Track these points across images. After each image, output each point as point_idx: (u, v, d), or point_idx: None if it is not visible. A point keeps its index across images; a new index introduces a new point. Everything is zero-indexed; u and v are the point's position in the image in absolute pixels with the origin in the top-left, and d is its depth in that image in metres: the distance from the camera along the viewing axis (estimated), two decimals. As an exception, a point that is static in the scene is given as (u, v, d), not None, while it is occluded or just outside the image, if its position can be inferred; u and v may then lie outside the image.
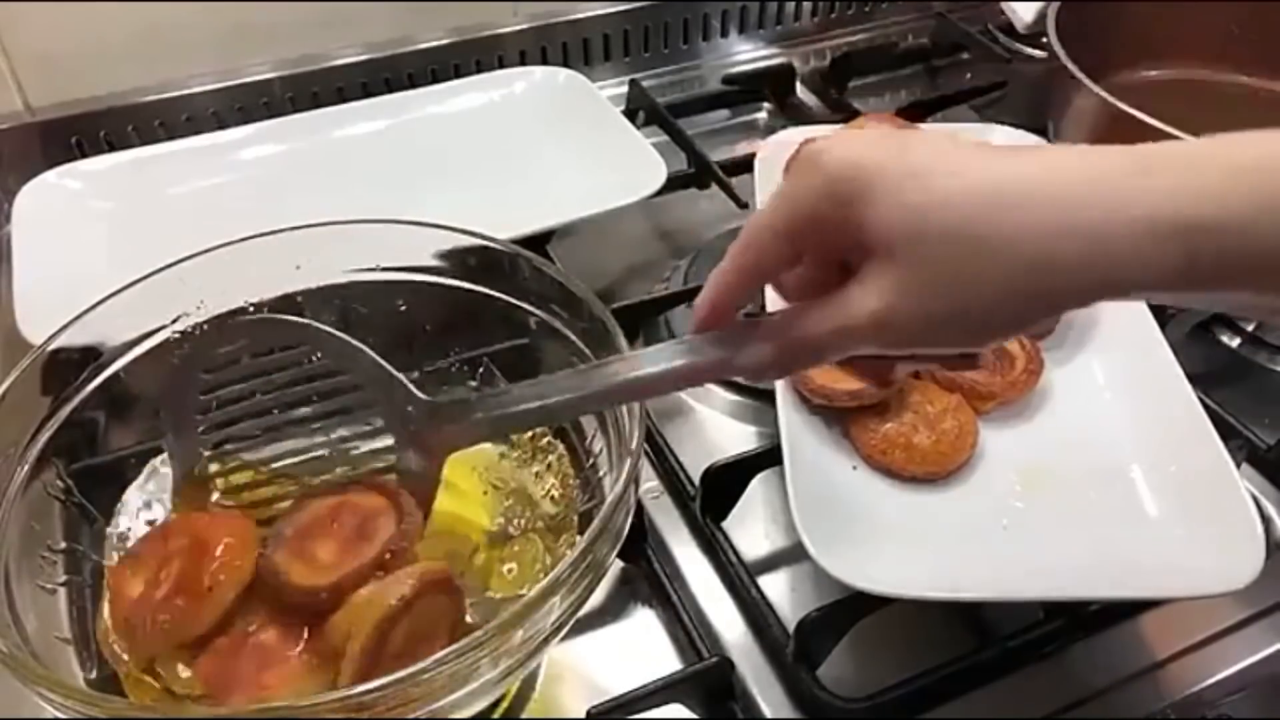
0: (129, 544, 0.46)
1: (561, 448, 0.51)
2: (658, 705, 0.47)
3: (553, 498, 0.49)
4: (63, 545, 0.44)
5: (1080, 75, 0.68)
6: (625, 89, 0.88)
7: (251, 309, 0.50)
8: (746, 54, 0.98)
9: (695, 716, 0.48)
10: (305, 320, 0.44)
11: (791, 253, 0.35)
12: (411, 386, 0.42)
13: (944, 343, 0.33)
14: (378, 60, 0.85)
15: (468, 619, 0.42)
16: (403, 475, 0.43)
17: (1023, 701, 0.49)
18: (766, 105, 0.92)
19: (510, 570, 0.46)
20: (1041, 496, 0.53)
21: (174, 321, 0.48)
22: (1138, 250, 0.28)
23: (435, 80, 0.85)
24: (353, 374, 0.42)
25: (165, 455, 0.45)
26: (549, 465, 0.50)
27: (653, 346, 0.37)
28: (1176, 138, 0.61)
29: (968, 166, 0.30)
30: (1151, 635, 0.52)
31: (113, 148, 0.77)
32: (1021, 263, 0.29)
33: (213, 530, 0.42)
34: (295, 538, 0.42)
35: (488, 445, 0.50)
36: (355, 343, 0.42)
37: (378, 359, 0.42)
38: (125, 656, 0.41)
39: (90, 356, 0.46)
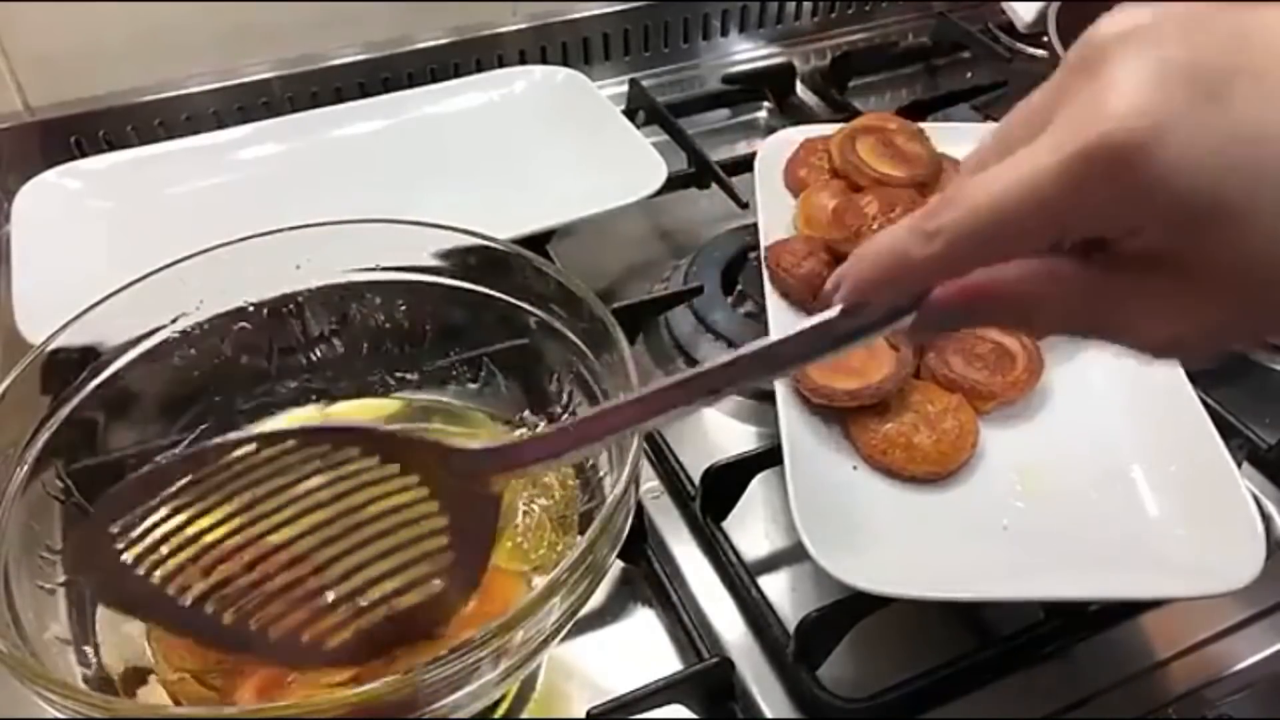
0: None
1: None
2: (658, 705, 0.47)
3: (553, 497, 0.49)
4: (62, 545, 0.44)
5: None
6: (625, 89, 0.88)
7: (251, 309, 0.50)
8: (746, 53, 0.98)
9: (695, 717, 0.48)
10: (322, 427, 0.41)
11: (1036, 243, 0.27)
12: (446, 444, 0.38)
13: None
14: (377, 60, 0.85)
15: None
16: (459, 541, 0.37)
17: (1023, 701, 0.49)
18: (766, 105, 0.92)
19: (521, 544, 0.46)
20: (1041, 496, 0.53)
21: (173, 321, 0.48)
22: None
23: (435, 80, 0.85)
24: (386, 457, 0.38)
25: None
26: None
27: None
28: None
29: None
30: (1151, 635, 0.52)
31: (112, 147, 0.77)
32: None
33: None
34: None
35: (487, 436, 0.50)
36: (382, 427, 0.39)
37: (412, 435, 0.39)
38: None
39: (90, 356, 0.46)
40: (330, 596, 0.36)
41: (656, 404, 0.33)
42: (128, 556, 0.36)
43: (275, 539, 0.36)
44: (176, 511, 0.37)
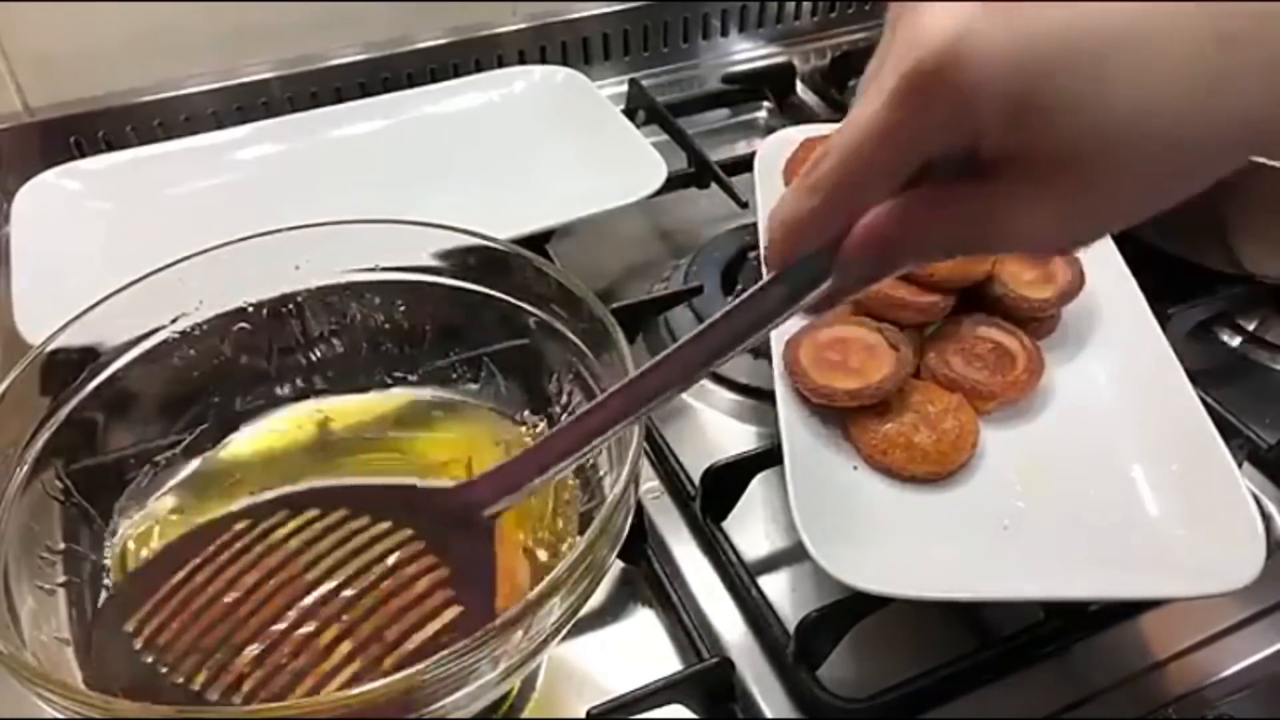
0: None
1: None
2: (658, 705, 0.47)
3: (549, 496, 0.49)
4: (62, 546, 0.44)
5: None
6: (625, 88, 0.88)
7: (250, 309, 0.50)
8: (746, 53, 0.98)
9: (695, 717, 0.48)
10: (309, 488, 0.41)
11: (908, 164, 0.28)
12: (432, 485, 0.39)
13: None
14: (376, 60, 0.85)
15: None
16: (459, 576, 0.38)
17: (1023, 701, 0.49)
18: (766, 104, 0.92)
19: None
20: (1042, 496, 0.52)
21: (173, 322, 0.48)
22: None
23: (434, 80, 0.85)
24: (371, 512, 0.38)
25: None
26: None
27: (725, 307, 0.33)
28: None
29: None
30: (1151, 635, 0.52)
31: (111, 148, 0.77)
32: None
33: None
34: None
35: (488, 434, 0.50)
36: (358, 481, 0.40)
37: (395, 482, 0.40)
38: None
39: (89, 357, 0.46)
40: (347, 673, 0.35)
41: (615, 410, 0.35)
42: (148, 658, 0.36)
43: (284, 622, 0.36)
44: (185, 604, 0.37)
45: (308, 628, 0.36)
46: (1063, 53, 0.24)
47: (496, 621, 0.34)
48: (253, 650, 0.36)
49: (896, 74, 0.26)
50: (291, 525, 0.38)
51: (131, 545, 0.46)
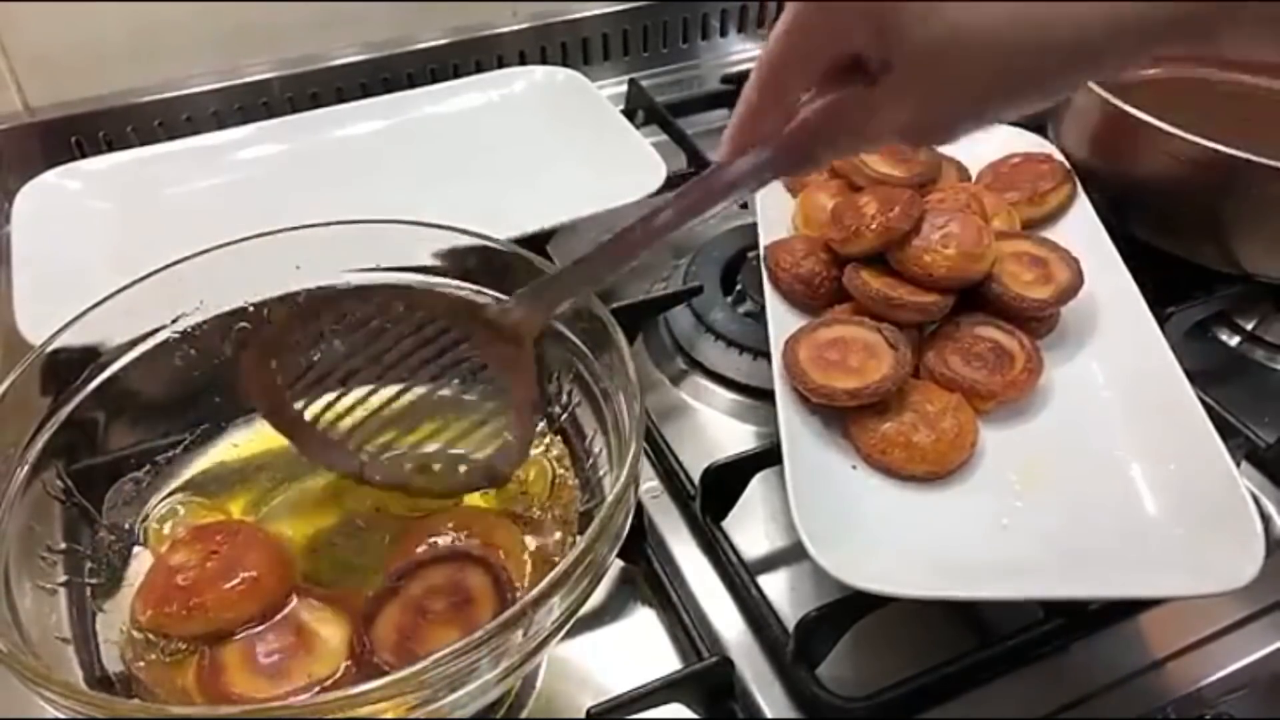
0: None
1: (562, 447, 0.51)
2: (658, 705, 0.47)
3: (549, 496, 0.49)
4: (62, 545, 0.44)
5: (1079, 74, 0.68)
6: (625, 89, 0.88)
7: (251, 309, 0.50)
8: (746, 53, 0.98)
9: (695, 716, 0.48)
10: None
11: (811, 64, 0.36)
12: (475, 298, 0.46)
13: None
14: (377, 60, 0.85)
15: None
16: (498, 375, 0.45)
17: (1023, 701, 0.49)
18: (766, 105, 0.92)
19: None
20: (1041, 496, 0.53)
21: (174, 322, 0.48)
22: None
23: (434, 80, 0.85)
24: (424, 309, 0.45)
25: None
26: (548, 464, 0.50)
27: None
28: (1174, 136, 0.61)
29: None
30: (1151, 634, 0.52)
31: (112, 148, 0.77)
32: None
33: (258, 550, 0.44)
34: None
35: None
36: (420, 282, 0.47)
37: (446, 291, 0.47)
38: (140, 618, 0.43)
39: (90, 356, 0.46)
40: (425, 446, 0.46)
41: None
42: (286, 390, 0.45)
43: (381, 395, 0.46)
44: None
45: (399, 402, 0.46)
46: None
47: (496, 622, 0.34)
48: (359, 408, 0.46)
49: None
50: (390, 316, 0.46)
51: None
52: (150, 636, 0.42)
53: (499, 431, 0.45)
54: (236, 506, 0.48)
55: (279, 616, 0.42)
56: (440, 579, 0.42)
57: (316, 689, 0.40)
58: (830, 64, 0.36)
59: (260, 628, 0.42)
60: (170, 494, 0.49)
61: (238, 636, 0.42)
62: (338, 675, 0.40)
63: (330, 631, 0.41)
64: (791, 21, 0.36)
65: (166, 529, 0.47)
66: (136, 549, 0.46)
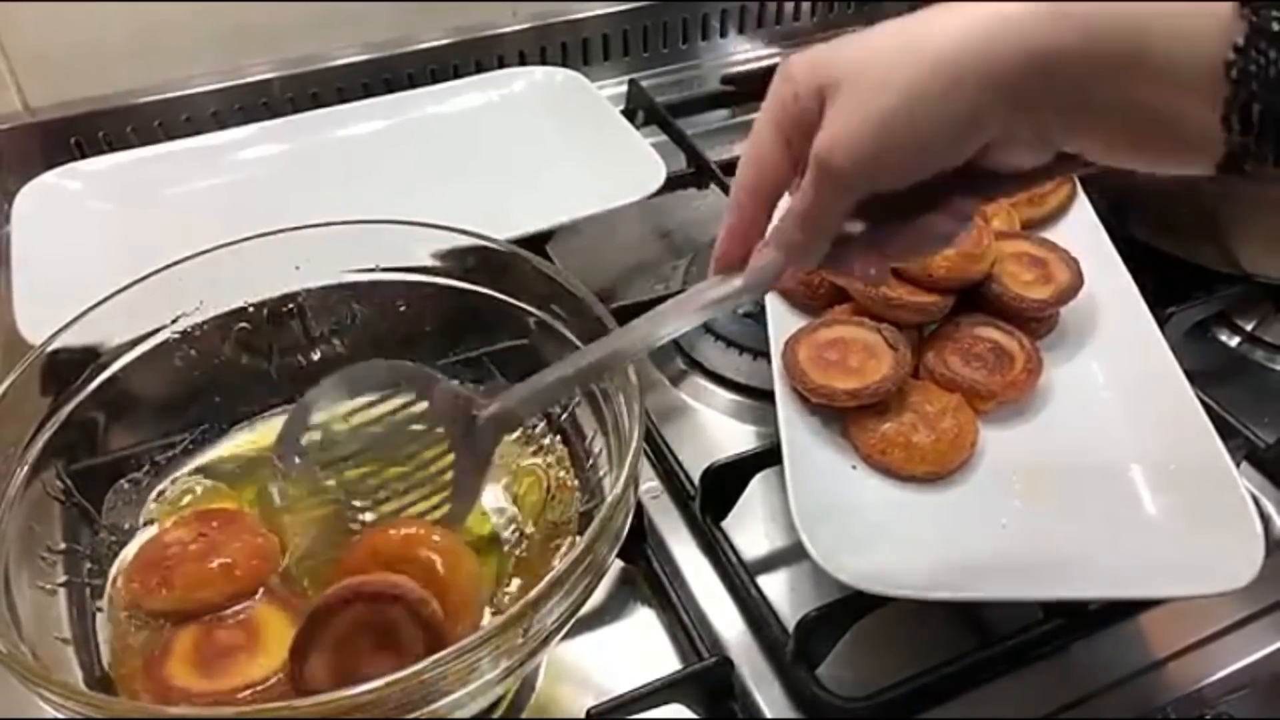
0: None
1: (562, 448, 0.51)
2: (658, 705, 0.47)
3: (549, 496, 0.49)
4: (62, 546, 0.44)
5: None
6: (625, 89, 0.88)
7: (251, 309, 0.50)
8: (746, 54, 0.98)
9: (695, 716, 0.48)
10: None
11: (787, 154, 0.38)
12: (455, 385, 0.45)
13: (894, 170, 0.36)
14: (377, 60, 0.85)
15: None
16: (459, 468, 0.44)
17: (1023, 701, 0.49)
18: (766, 105, 0.92)
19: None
20: (1041, 496, 0.53)
21: (173, 322, 0.48)
22: None
23: (435, 80, 0.85)
24: (403, 388, 0.44)
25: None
26: (548, 465, 0.50)
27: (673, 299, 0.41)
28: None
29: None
30: (1151, 635, 0.52)
31: (112, 148, 0.77)
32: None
33: (242, 539, 0.44)
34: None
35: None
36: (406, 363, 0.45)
37: (426, 369, 0.45)
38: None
39: (90, 357, 0.46)
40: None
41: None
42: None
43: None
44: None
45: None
46: (835, 66, 0.36)
47: (496, 622, 0.34)
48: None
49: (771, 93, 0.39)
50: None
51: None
52: (130, 614, 0.43)
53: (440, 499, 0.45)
54: (248, 496, 0.48)
55: (239, 609, 0.43)
56: (364, 615, 0.39)
57: (248, 691, 0.40)
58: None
59: (221, 614, 0.42)
60: (189, 474, 0.49)
61: (199, 622, 0.42)
62: (269, 683, 0.40)
63: (279, 637, 0.41)
64: (753, 148, 0.39)
65: (183, 503, 0.48)
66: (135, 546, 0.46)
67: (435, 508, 0.44)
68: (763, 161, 0.39)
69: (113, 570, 0.45)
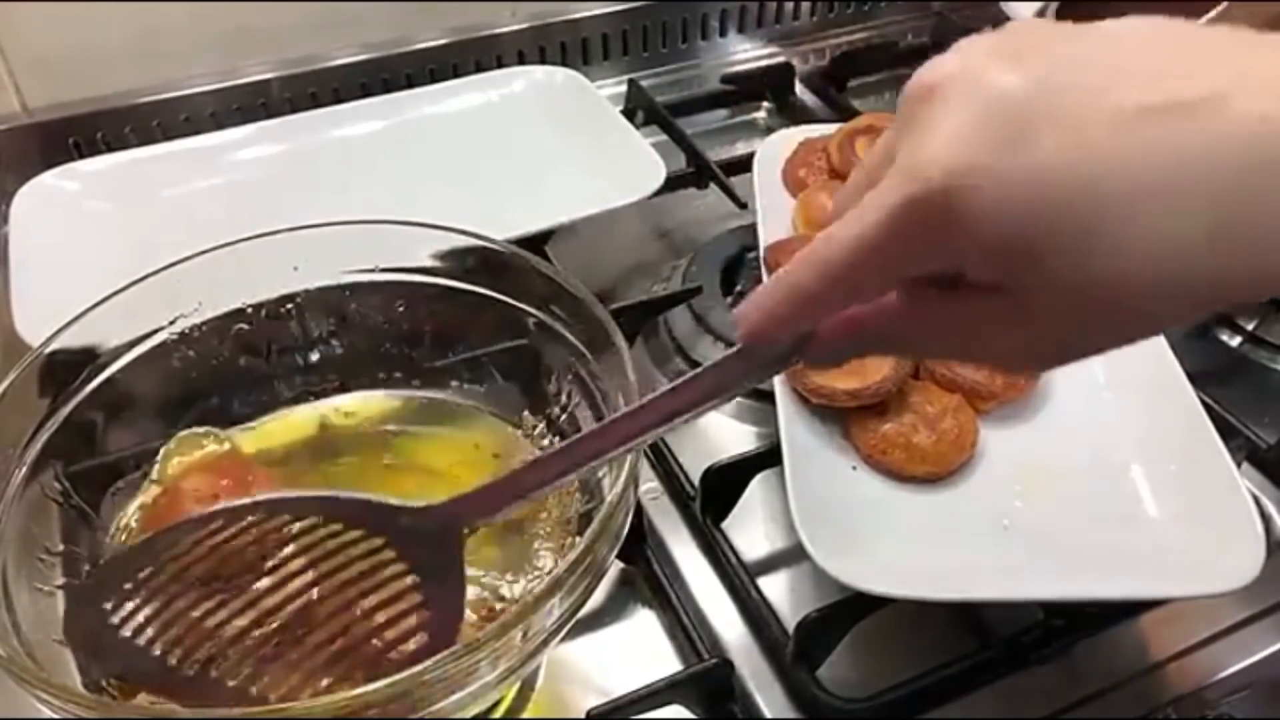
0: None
1: (561, 448, 0.50)
2: (658, 706, 0.47)
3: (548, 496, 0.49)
4: (60, 548, 0.44)
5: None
6: (624, 89, 0.88)
7: (250, 310, 0.50)
8: (746, 54, 0.98)
9: (695, 717, 0.48)
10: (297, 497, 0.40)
11: (899, 274, 0.29)
12: (407, 505, 0.38)
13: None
14: (376, 61, 0.85)
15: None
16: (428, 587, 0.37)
17: (1023, 701, 0.49)
18: (766, 105, 0.92)
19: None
20: (1042, 496, 0.52)
21: (172, 323, 0.48)
22: None
23: (433, 80, 0.85)
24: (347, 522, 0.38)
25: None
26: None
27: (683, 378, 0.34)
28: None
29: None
30: (1151, 635, 0.52)
31: (110, 148, 0.77)
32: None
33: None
34: None
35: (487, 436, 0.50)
36: (347, 495, 0.39)
37: (371, 498, 0.39)
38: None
39: (88, 358, 0.46)
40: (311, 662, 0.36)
41: (581, 453, 0.36)
42: (125, 631, 0.37)
43: (252, 614, 0.37)
44: (161, 588, 0.37)
45: (274, 620, 0.36)
46: (1059, 204, 0.24)
47: (496, 623, 0.34)
48: (223, 634, 0.36)
49: (896, 196, 0.26)
50: (265, 528, 0.38)
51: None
52: None
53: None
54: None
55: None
56: None
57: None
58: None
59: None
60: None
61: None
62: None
63: None
64: (883, 232, 0.27)
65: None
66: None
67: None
68: (869, 273, 0.29)
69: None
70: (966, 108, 0.25)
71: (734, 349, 0.33)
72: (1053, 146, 0.24)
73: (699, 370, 0.34)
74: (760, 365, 0.33)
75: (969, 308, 0.29)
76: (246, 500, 0.39)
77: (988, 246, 0.26)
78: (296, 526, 0.38)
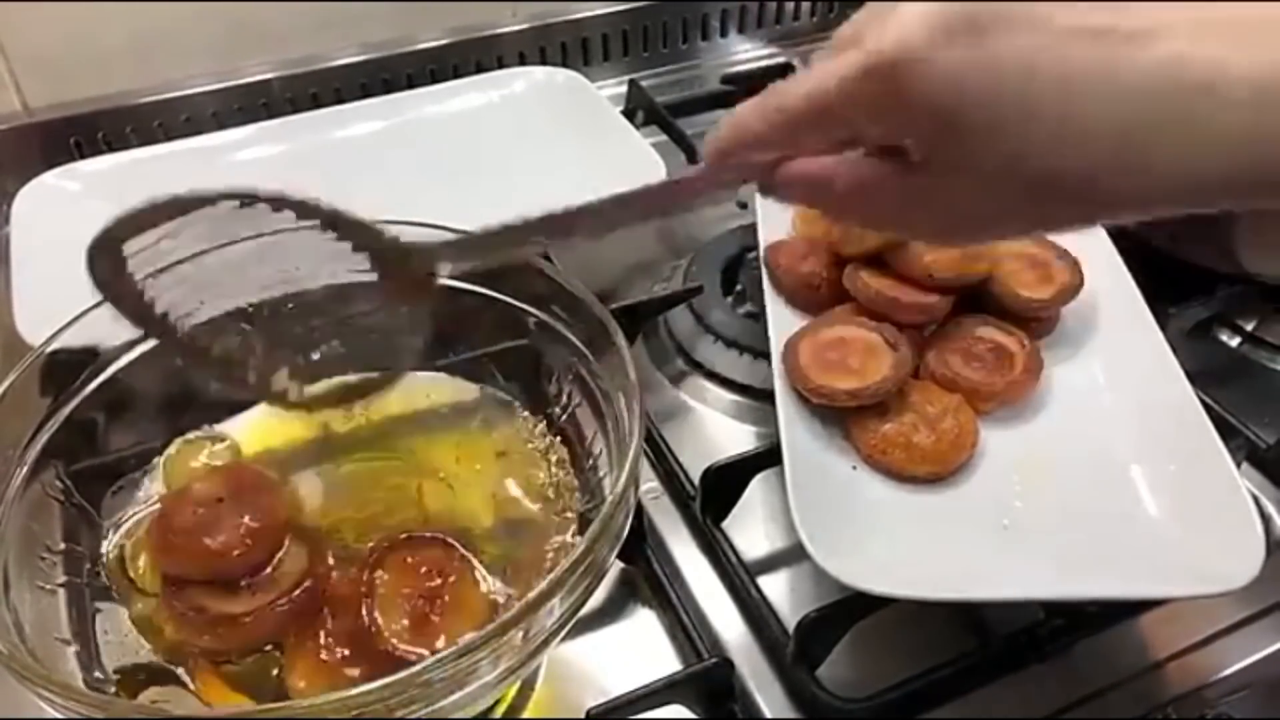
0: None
1: (562, 449, 0.51)
2: (658, 706, 0.47)
3: (549, 497, 0.49)
4: (62, 546, 0.44)
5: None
6: (624, 89, 0.88)
7: (250, 309, 0.50)
8: (746, 54, 0.98)
9: (695, 717, 0.48)
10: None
11: (838, 134, 0.33)
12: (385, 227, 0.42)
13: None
14: (376, 61, 0.85)
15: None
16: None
17: (1023, 701, 0.49)
18: (766, 105, 0.92)
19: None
20: (1041, 496, 0.53)
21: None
22: None
23: (434, 80, 0.85)
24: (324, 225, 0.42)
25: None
26: (548, 466, 0.50)
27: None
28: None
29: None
30: (1151, 635, 0.52)
31: (111, 148, 0.77)
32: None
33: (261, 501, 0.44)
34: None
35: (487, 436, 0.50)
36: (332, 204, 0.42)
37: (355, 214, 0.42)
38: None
39: (89, 357, 0.46)
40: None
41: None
42: (138, 277, 0.41)
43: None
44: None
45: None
46: (1007, 90, 0.28)
47: (496, 622, 0.34)
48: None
49: (857, 59, 0.30)
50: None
51: (127, 545, 0.46)
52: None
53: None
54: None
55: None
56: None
57: None
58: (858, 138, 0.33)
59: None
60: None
61: None
62: None
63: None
64: (838, 88, 0.31)
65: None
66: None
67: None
68: (808, 130, 0.33)
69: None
70: (932, 5, 0.29)
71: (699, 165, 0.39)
72: (1005, 44, 0.28)
73: (668, 178, 0.40)
74: (719, 184, 0.39)
75: (909, 179, 0.32)
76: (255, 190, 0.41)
77: (924, 118, 0.29)
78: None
